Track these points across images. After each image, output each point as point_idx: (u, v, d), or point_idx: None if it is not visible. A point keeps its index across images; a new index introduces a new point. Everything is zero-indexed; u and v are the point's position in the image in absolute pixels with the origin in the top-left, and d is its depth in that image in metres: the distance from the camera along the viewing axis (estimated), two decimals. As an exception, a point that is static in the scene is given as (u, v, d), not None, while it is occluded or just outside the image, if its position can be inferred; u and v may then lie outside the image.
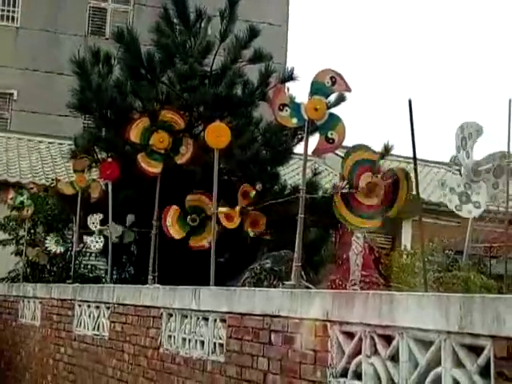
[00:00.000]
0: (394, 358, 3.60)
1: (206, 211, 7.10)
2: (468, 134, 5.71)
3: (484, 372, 3.09)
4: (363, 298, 3.81)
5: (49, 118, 21.19)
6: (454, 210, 5.80)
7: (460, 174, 5.87)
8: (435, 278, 8.93)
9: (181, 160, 7.75)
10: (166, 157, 7.70)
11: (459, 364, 3.22)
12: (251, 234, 7.42)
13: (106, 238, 9.00)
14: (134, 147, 8.77)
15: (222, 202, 7.01)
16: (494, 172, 5.76)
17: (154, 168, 7.69)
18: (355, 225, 5.16)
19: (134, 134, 7.76)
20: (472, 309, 3.11)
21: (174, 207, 7.28)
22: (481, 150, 5.99)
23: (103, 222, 9.07)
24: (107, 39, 20.24)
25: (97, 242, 9.10)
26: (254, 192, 7.32)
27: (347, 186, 5.08)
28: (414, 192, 4.86)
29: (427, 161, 20.03)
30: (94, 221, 9.10)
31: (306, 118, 5.24)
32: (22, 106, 21.86)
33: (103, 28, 23.32)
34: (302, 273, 5.71)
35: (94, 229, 9.11)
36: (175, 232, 7.23)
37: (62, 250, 11.06)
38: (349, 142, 5.48)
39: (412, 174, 4.84)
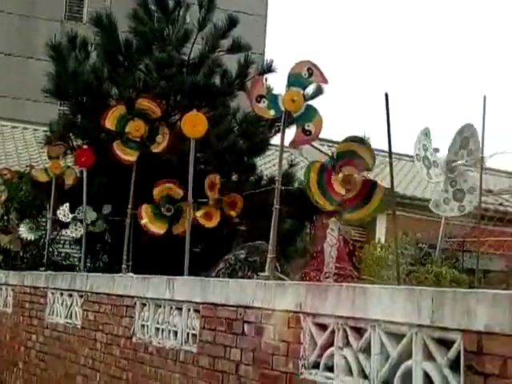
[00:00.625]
0: (366, 351, 3.63)
1: (176, 200, 7.12)
2: (422, 147, 5.74)
3: (454, 365, 3.12)
4: (336, 290, 3.83)
5: (23, 103, 20.96)
6: (460, 212, 5.77)
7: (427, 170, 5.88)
8: (408, 271, 8.99)
9: (157, 149, 7.71)
10: (142, 145, 7.65)
11: (430, 357, 3.25)
12: (233, 215, 7.49)
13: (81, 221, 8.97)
14: (110, 134, 8.70)
15: (195, 206, 7.07)
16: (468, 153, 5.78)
17: (129, 156, 7.64)
18: (318, 201, 5.00)
19: (110, 122, 7.70)
20: (443, 303, 3.14)
21: (145, 205, 7.28)
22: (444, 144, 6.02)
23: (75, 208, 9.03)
24: (85, 24, 20.03)
25: (65, 215, 9.04)
26: (218, 178, 7.34)
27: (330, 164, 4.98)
28: (389, 186, 4.88)
29: (402, 154, 20.15)
30: (64, 213, 9.05)
31: (283, 109, 5.24)
32: (-4, 91, 21.59)
33: (80, 13, 23.08)
34: (277, 264, 5.71)
35: (65, 220, 9.06)
36: (156, 228, 7.23)
37: (35, 237, 10.95)
38: (326, 134, 5.49)
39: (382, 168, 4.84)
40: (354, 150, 4.81)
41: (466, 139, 5.76)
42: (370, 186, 4.81)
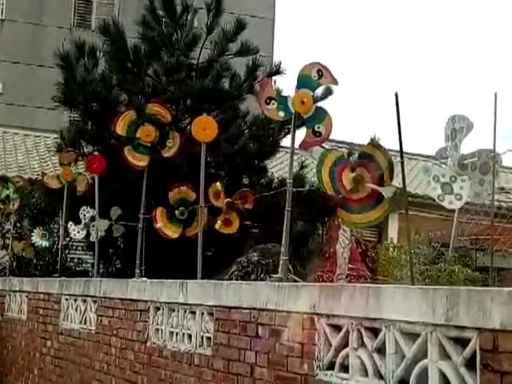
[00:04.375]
0: (381, 351, 3.62)
1: (189, 202, 7.11)
2: (459, 128, 5.70)
3: (470, 364, 3.11)
4: (350, 290, 3.82)
5: (35, 111, 21.06)
6: (436, 199, 5.80)
7: (445, 164, 5.87)
8: (421, 270, 8.98)
9: (167, 153, 7.72)
10: (153, 150, 7.66)
11: (445, 356, 3.24)
12: (217, 227, 7.27)
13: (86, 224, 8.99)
14: (121, 140, 8.73)
15: (220, 182, 7.02)
16: (481, 168, 5.77)
17: (140, 161, 7.65)
18: (361, 223, 4.98)
19: (121, 128, 7.72)
20: (458, 301, 3.13)
21: (160, 208, 7.27)
22: (467, 144, 5.99)
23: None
24: (93, 31, 20.11)
25: (78, 232, 9.08)
26: (219, 185, 7.20)
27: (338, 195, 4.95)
28: (401, 185, 4.86)
29: (414, 154, 20.11)
30: (85, 213, 9.08)
31: (292, 111, 5.23)
32: (7, 99, 21.71)
33: (89, 20, 23.18)
34: (290, 266, 5.71)
35: (79, 236, 9.10)
36: (171, 232, 7.23)
37: (48, 244, 11.00)
38: (336, 135, 5.47)
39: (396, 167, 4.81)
40: (373, 156, 4.78)
41: (454, 130, 5.74)
42: (376, 198, 4.77)
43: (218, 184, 7.19)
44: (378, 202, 4.78)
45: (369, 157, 4.81)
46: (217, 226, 7.16)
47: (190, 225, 7.22)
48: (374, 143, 4.88)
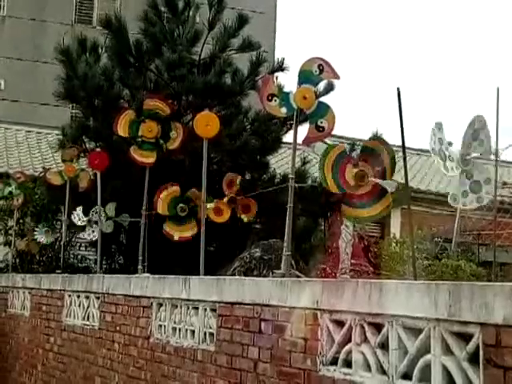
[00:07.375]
0: (384, 346, 3.62)
1: (195, 202, 7.06)
2: (437, 139, 5.68)
3: (473, 359, 3.11)
4: (353, 286, 3.82)
5: (36, 107, 21.07)
6: (477, 203, 5.69)
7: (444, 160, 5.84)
8: (424, 265, 8.98)
9: (173, 145, 7.66)
10: (158, 145, 7.62)
11: (448, 351, 3.24)
12: (245, 220, 7.36)
13: (96, 222, 8.98)
14: (123, 136, 8.72)
15: (208, 198, 6.94)
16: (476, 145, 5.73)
17: (147, 158, 7.61)
18: (364, 217, 5.00)
19: (122, 129, 7.66)
20: (461, 296, 3.13)
21: (176, 187, 7.18)
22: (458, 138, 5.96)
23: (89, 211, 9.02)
24: (94, 27, 20.14)
25: (92, 231, 9.07)
26: (239, 179, 7.24)
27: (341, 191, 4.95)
28: (403, 180, 4.85)
29: (416, 149, 20.09)
30: (78, 217, 9.06)
31: (295, 107, 5.23)
32: (8, 96, 21.71)
33: (90, 16, 23.18)
34: (292, 261, 5.70)
35: (81, 224, 9.07)
36: (162, 206, 7.11)
37: (51, 240, 11.00)
38: (339, 130, 5.47)
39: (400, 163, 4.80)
40: (377, 152, 4.76)
41: (477, 131, 5.71)
42: (379, 193, 4.76)
43: (239, 178, 7.23)
44: (380, 197, 4.77)
45: (371, 151, 4.80)
46: (208, 206, 7.03)
47: (182, 224, 7.13)
48: (378, 138, 4.85)
